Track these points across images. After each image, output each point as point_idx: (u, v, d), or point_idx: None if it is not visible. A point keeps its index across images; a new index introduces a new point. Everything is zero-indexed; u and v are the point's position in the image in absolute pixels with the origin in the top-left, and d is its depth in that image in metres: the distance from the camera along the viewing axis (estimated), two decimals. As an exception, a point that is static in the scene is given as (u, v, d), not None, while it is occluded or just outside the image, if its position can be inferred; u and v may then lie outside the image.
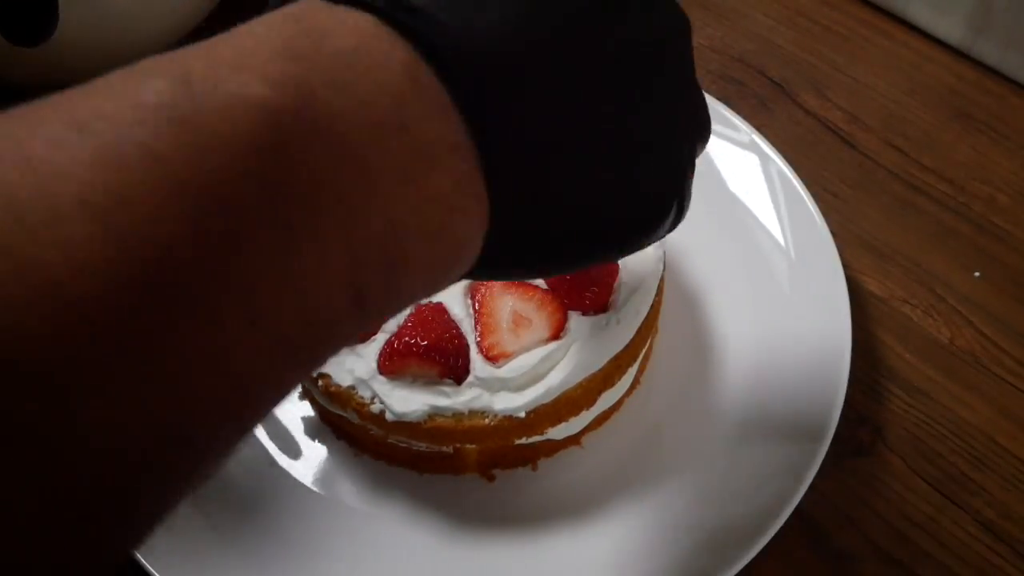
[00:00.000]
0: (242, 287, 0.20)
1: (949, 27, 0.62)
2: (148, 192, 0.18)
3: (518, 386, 0.43)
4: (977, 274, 0.53)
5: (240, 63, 0.21)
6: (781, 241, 0.52)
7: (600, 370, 0.44)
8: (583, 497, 0.46)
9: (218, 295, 0.19)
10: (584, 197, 0.28)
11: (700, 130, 0.32)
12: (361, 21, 0.23)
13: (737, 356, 0.49)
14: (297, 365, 0.22)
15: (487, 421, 0.43)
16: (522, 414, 0.43)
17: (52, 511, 0.17)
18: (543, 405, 0.43)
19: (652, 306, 0.46)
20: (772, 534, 0.42)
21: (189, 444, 0.20)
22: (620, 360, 0.45)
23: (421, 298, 0.26)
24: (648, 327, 0.46)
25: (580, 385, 0.44)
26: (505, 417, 0.43)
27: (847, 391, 0.46)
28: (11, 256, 0.17)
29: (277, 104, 0.20)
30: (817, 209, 0.52)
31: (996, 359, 0.50)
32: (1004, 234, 0.55)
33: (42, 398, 0.17)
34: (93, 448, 0.18)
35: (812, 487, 0.44)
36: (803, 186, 0.53)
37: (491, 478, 0.47)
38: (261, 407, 0.22)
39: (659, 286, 0.47)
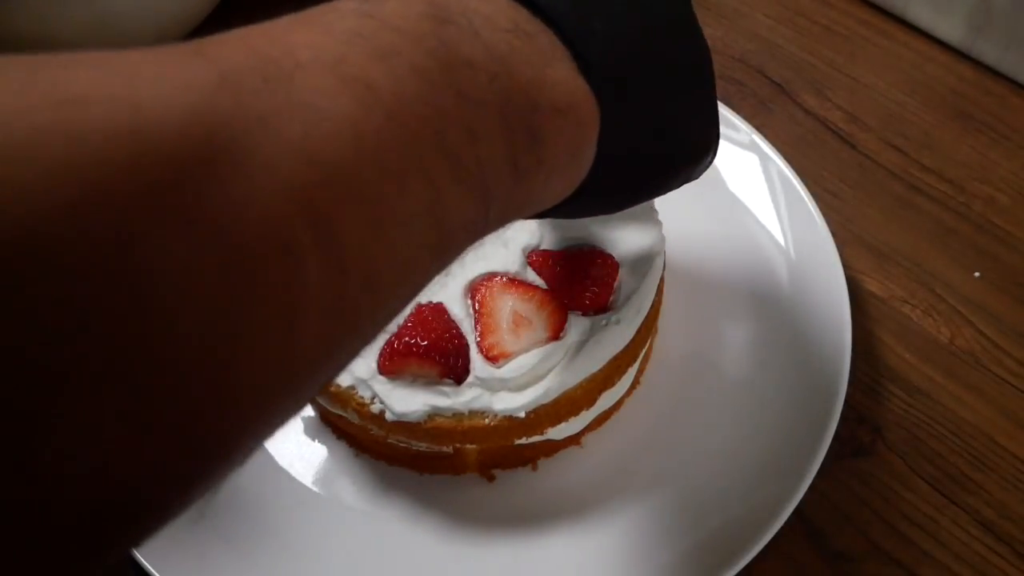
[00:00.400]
0: (435, 128, 0.25)
1: (949, 27, 0.62)
2: (359, 55, 0.24)
3: (518, 386, 0.43)
4: (977, 274, 0.53)
5: None
6: (781, 241, 0.52)
7: (600, 370, 0.44)
8: (583, 497, 0.46)
9: (419, 129, 0.24)
10: (663, 117, 0.34)
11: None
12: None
13: (737, 356, 0.49)
14: (476, 207, 0.26)
15: (487, 421, 0.43)
16: (522, 414, 0.43)
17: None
18: (543, 405, 0.43)
19: (652, 306, 0.46)
20: (772, 534, 0.42)
21: (411, 244, 0.24)
22: (620, 360, 0.45)
23: (557, 188, 0.31)
24: (648, 327, 0.46)
25: (580, 385, 0.44)
26: (505, 417, 0.43)
27: (847, 391, 0.46)
28: (277, 83, 0.22)
29: (431, 12, 0.26)
30: (817, 209, 0.52)
31: (996, 359, 0.50)
32: (1004, 234, 0.55)
33: (315, 186, 0.22)
34: (353, 231, 0.22)
35: (812, 487, 0.44)
36: (803, 186, 0.53)
37: (491, 478, 0.47)
38: (452, 236, 0.26)
39: (659, 286, 0.47)
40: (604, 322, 0.44)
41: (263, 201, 0.20)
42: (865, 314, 0.52)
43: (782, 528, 0.43)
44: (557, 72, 0.29)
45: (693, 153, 0.37)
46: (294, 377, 0.22)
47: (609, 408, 0.47)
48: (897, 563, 0.44)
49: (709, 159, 0.38)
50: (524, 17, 0.29)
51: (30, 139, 0.17)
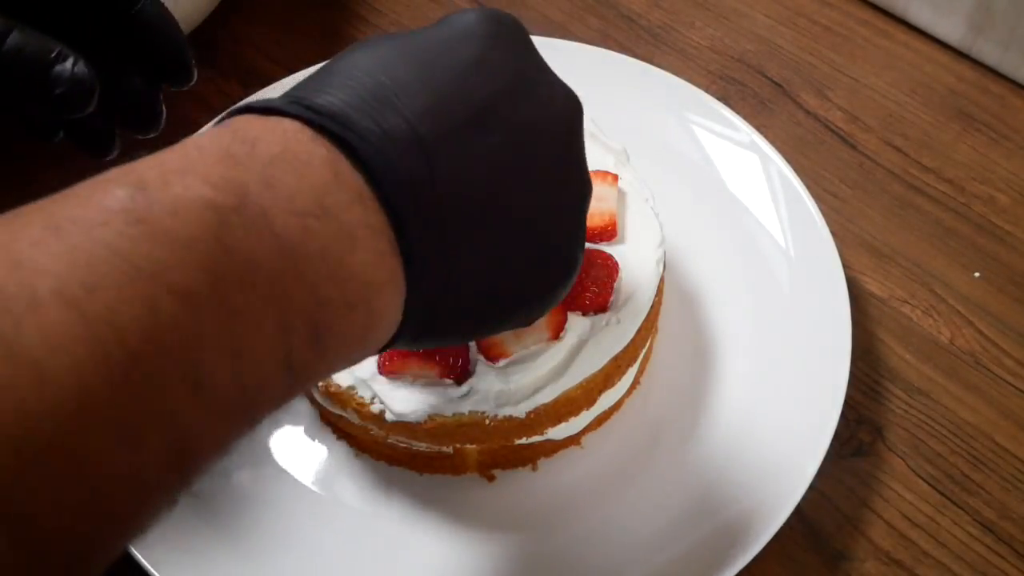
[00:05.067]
0: (188, 358, 0.23)
1: (949, 27, 0.62)
2: (112, 282, 0.22)
3: (518, 386, 0.43)
4: (977, 274, 0.53)
5: (186, 169, 0.25)
6: (781, 241, 0.52)
7: (600, 370, 0.44)
8: (583, 497, 0.46)
9: (167, 365, 0.23)
10: (495, 272, 0.32)
11: (586, 198, 0.36)
12: (288, 127, 0.27)
13: (737, 356, 0.49)
14: (233, 424, 0.25)
15: (487, 421, 0.43)
16: (522, 414, 0.43)
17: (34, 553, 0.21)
18: (543, 405, 0.43)
19: (652, 306, 0.46)
20: (772, 534, 0.42)
21: (141, 495, 0.23)
22: (620, 360, 0.45)
23: (348, 364, 0.29)
24: (648, 327, 0.46)
25: (580, 385, 0.44)
26: (505, 417, 0.43)
27: (847, 391, 0.46)
28: (1, 340, 0.20)
29: (218, 201, 0.24)
30: (817, 209, 0.52)
31: (996, 359, 0.50)
32: (1004, 234, 0.55)
33: (25, 456, 0.20)
34: (69, 501, 0.21)
35: (812, 487, 0.44)
36: (803, 186, 0.53)
37: (491, 478, 0.47)
38: (202, 461, 0.25)
39: (659, 286, 0.47)
40: (604, 322, 0.44)
41: None
42: (865, 314, 0.52)
43: (782, 528, 0.43)
44: (360, 259, 0.27)
45: (542, 295, 0.35)
46: None
47: (609, 408, 0.47)
48: (897, 563, 0.44)
49: (567, 289, 0.36)
50: (338, 185, 0.27)
51: None
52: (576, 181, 0.35)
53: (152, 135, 0.45)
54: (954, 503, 0.46)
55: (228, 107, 0.56)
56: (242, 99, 0.57)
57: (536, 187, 0.33)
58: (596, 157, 0.49)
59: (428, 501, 0.46)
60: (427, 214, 0.29)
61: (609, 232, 0.46)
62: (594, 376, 0.44)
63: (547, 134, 0.33)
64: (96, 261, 0.22)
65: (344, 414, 0.45)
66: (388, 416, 0.43)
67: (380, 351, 0.31)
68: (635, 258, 0.46)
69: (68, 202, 0.23)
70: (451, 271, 0.31)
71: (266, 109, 0.28)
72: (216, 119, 0.27)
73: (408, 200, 0.28)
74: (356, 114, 0.28)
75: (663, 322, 0.50)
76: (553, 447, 0.47)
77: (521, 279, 0.34)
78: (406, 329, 0.30)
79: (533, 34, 0.35)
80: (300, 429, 0.48)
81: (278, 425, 0.48)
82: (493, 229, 0.31)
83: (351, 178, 0.27)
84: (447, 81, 0.30)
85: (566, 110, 0.34)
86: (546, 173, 0.33)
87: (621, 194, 0.48)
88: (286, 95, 0.29)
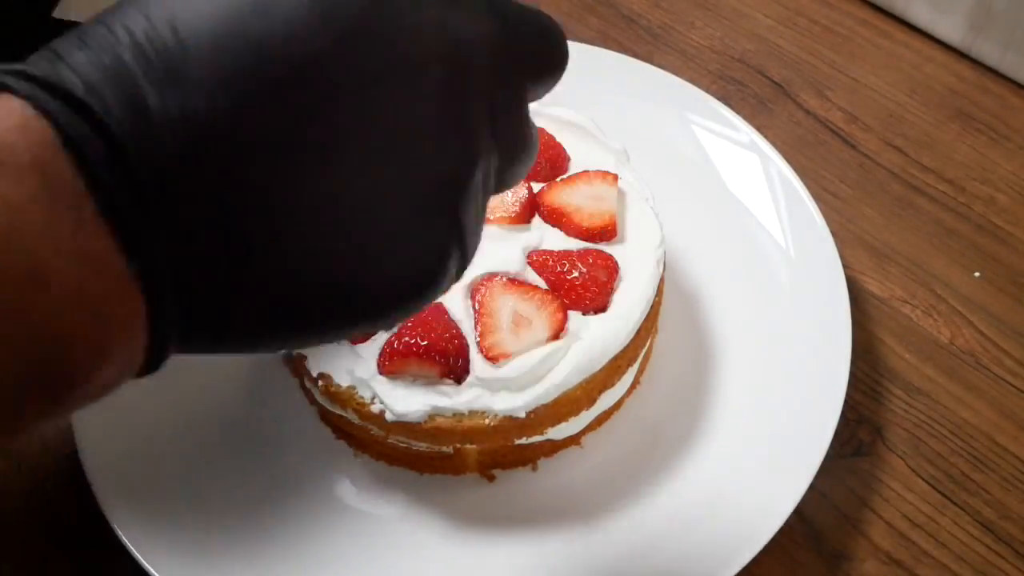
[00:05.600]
0: None
1: (949, 27, 0.62)
2: None
3: (518, 386, 0.43)
4: (977, 274, 0.53)
5: None
6: (781, 241, 0.52)
7: (600, 370, 0.44)
8: (583, 497, 0.46)
9: None
10: (298, 269, 0.25)
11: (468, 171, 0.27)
12: (15, 110, 0.22)
13: (737, 356, 0.49)
14: None
15: (487, 421, 0.43)
16: (522, 414, 0.43)
17: None
18: (543, 405, 0.43)
19: (652, 306, 0.46)
20: (772, 534, 0.42)
21: None
22: (620, 360, 0.45)
23: (90, 396, 0.23)
24: (648, 327, 0.46)
25: (580, 385, 0.44)
26: (505, 417, 0.43)
27: (847, 391, 0.46)
28: None
29: None
30: (817, 209, 0.52)
31: (996, 359, 0.50)
32: (1004, 234, 0.55)
33: None
34: None
35: (812, 487, 0.44)
36: (803, 186, 0.53)
37: (491, 478, 0.47)
38: None
39: (659, 286, 0.47)
40: (604, 322, 0.44)
41: None
42: (865, 314, 0.52)
43: (782, 528, 0.43)
44: (71, 285, 0.21)
45: (364, 311, 0.27)
46: None
47: (609, 408, 0.47)
48: (897, 563, 0.44)
49: (447, 282, 0.28)
50: (51, 194, 0.21)
51: None
52: (441, 150, 0.26)
53: None
54: (954, 503, 0.46)
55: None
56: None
57: (366, 163, 0.25)
58: (596, 157, 0.49)
59: (428, 501, 0.46)
60: (172, 238, 0.23)
61: (609, 232, 0.47)
62: (594, 376, 0.44)
63: (393, 90, 0.25)
64: None
65: (344, 414, 0.45)
66: (388, 416, 0.43)
67: (146, 369, 0.24)
68: (635, 258, 0.46)
69: None
70: (210, 291, 0.24)
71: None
72: None
73: (144, 220, 0.22)
74: (104, 87, 0.22)
75: (663, 322, 0.50)
76: (553, 447, 0.47)
77: (341, 278, 0.26)
78: (181, 341, 0.24)
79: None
80: (300, 429, 0.48)
81: (278, 424, 0.48)
82: (292, 218, 0.25)
83: (69, 190, 0.22)
84: (254, 37, 0.23)
85: (441, 50, 0.26)
86: (384, 142, 0.25)
87: (621, 194, 0.48)
88: (44, 48, 0.24)
